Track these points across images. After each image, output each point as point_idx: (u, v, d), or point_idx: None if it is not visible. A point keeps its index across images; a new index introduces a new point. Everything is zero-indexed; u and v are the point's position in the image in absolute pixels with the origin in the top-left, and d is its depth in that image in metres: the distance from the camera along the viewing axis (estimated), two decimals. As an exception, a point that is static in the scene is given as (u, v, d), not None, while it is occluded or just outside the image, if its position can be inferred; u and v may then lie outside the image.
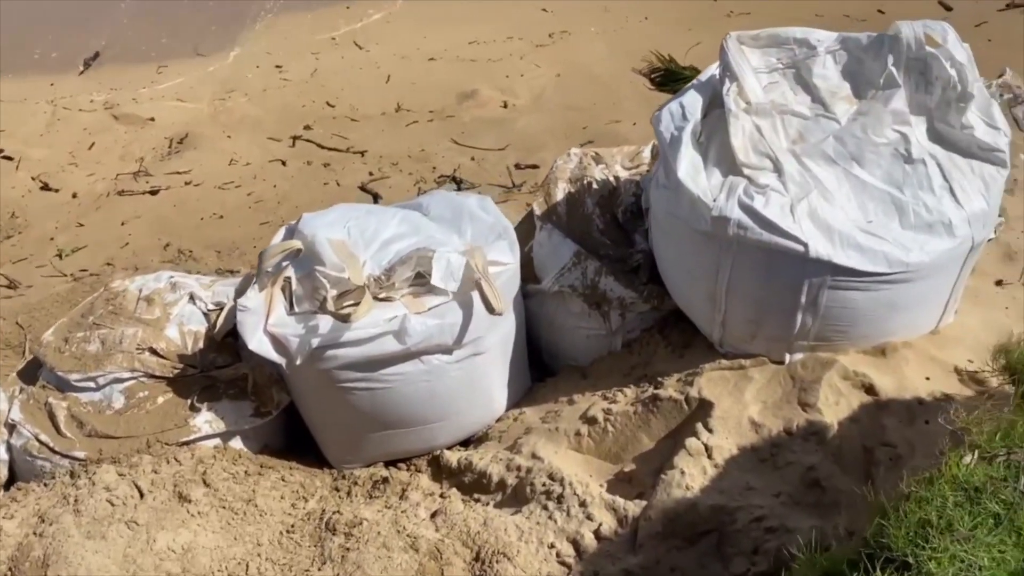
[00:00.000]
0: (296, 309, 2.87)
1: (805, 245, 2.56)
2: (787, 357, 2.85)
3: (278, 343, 2.81)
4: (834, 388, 2.75)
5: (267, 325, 2.82)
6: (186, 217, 5.91)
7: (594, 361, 3.43)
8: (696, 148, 2.79)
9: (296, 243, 2.93)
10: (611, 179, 3.65)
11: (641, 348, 3.30)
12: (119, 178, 6.39)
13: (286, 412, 3.32)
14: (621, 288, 3.26)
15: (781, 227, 2.56)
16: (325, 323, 2.78)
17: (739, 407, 2.81)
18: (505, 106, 7.53)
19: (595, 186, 3.62)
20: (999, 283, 3.38)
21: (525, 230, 3.68)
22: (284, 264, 2.98)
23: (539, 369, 3.69)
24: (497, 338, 3.13)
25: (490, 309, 2.81)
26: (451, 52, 8.64)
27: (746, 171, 2.69)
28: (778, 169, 2.68)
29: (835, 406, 2.73)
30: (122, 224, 5.81)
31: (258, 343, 2.80)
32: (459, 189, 6.27)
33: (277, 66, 8.24)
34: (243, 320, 2.82)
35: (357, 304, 2.72)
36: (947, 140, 2.73)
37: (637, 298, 3.25)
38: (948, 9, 9.94)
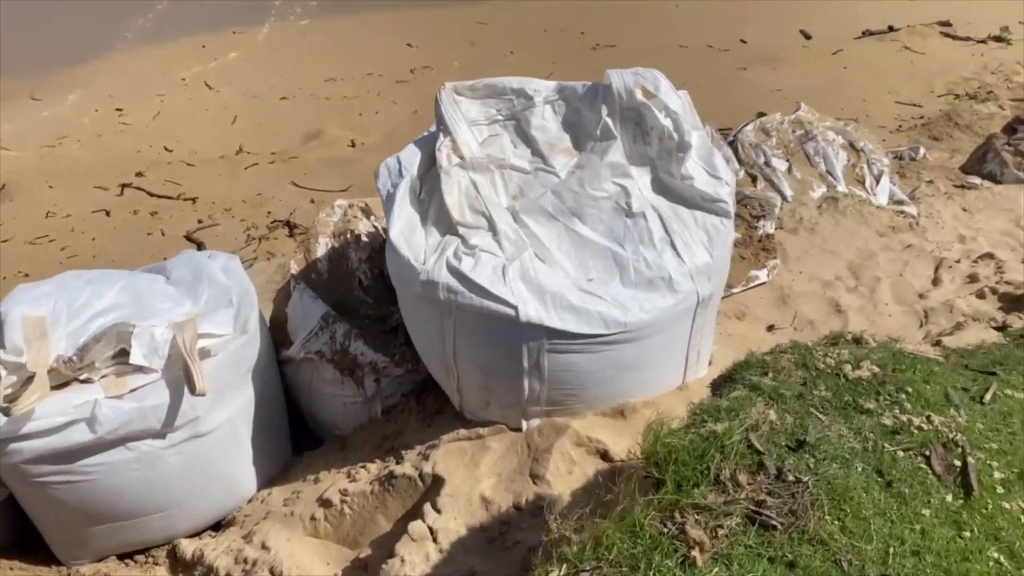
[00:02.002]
0: (-23, 398, 2.56)
1: (515, 308, 2.38)
2: (524, 424, 2.67)
3: (-46, 438, 2.50)
4: (566, 456, 2.57)
5: (-58, 417, 2.51)
6: (-14, 276, 5.50)
7: (356, 429, 3.20)
8: (415, 205, 2.61)
9: (-42, 326, 2.64)
10: (381, 232, 3.45)
11: (397, 416, 3.08)
12: (-81, 236, 5.94)
13: (12, 505, 2.99)
14: (372, 352, 3.05)
15: (490, 290, 2.39)
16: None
17: (472, 482, 2.61)
18: (353, 145, 7.32)
19: (363, 239, 3.42)
20: (770, 328, 3.28)
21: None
22: (-28, 346, 2.67)
23: (312, 438, 3.45)
24: (228, 415, 2.87)
25: (191, 389, 2.56)
26: (305, 90, 8.42)
27: (461, 230, 2.51)
28: (493, 228, 2.51)
29: (568, 476, 2.55)
30: (-88, 287, 5.37)
31: (-69, 438, 2.49)
32: (291, 234, 6.01)
33: (118, 109, 7.88)
34: (-91, 413, 2.50)
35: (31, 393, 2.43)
36: (671, 191, 2.61)
37: (389, 362, 3.05)
38: (807, 37, 10.21)
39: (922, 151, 5.03)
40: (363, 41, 9.78)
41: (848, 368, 1.88)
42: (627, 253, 2.52)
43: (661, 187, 2.62)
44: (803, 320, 3.27)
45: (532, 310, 2.39)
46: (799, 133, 4.11)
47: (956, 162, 5.73)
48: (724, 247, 2.58)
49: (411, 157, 2.64)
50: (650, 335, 2.50)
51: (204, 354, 2.77)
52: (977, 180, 4.52)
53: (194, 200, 6.48)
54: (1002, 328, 2.51)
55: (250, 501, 3.11)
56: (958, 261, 3.53)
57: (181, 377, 2.65)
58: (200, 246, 5.90)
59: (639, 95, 2.54)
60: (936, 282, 3.40)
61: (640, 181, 2.61)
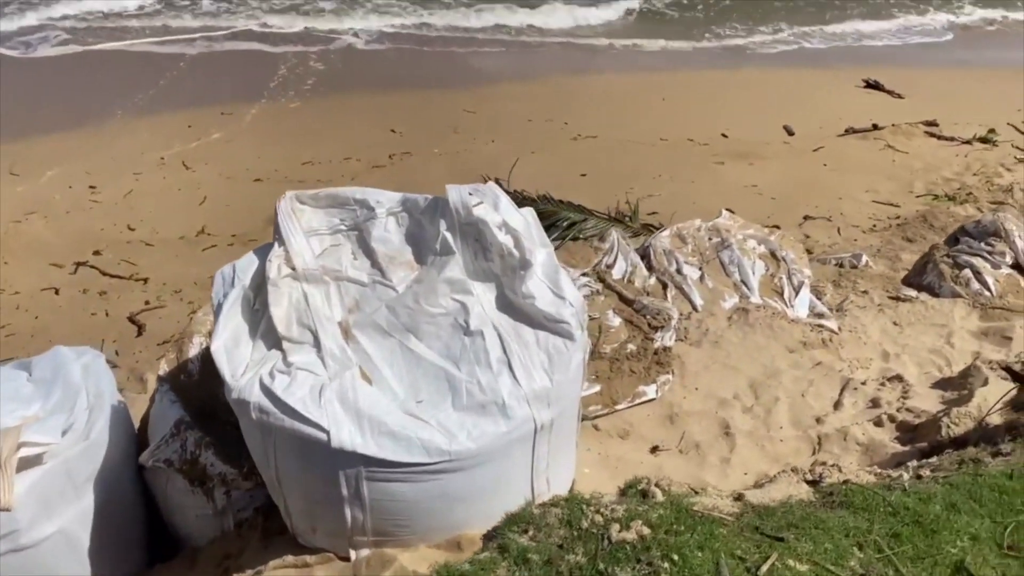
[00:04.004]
0: None
1: (328, 433, 2.25)
2: (352, 553, 2.49)
3: None
4: (389, 593, 2.39)
5: None
6: (-79, 353, 5.45)
7: (209, 543, 3.04)
8: (247, 316, 2.51)
9: None
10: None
11: (247, 532, 2.92)
12: None
13: None
14: (221, 464, 2.91)
15: (302, 413, 2.26)
16: None
17: (290, 616, 2.43)
18: (315, 230, 7.28)
19: (243, 340, 3.31)
20: (654, 450, 3.11)
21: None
22: None
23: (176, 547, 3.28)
24: (58, 527, 2.72)
25: (-3, 503, 2.43)
26: (280, 173, 8.48)
27: (284, 345, 2.40)
28: (318, 343, 2.39)
29: (389, 615, 2.37)
30: None
31: None
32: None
33: (91, 187, 7.96)
34: None
35: None
36: (515, 309, 2.49)
37: (238, 475, 2.90)
38: (790, 133, 10.21)
39: (864, 259, 4.88)
40: (348, 125, 9.90)
41: (615, 528, 1.71)
42: (461, 374, 2.39)
43: (506, 304, 2.50)
44: (690, 442, 3.09)
45: (346, 435, 2.25)
46: (715, 240, 3.99)
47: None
48: (566, 371, 2.43)
49: (247, 265, 2.56)
50: (480, 464, 2.34)
51: (34, 462, 2.65)
52: (913, 292, 4.36)
53: (145, 281, 6.46)
54: (815, 483, 2.32)
55: (89, 616, 2.94)
56: (864, 383, 3.35)
57: (-3, 488, 2.53)
58: (141, 329, 5.85)
59: (476, 211, 2.45)
60: (837, 405, 3.22)
61: (484, 298, 2.49)
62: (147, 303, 6.15)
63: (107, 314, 6.03)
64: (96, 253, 6.80)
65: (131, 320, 5.93)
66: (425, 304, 2.44)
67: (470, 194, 2.47)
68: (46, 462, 2.67)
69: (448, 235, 2.47)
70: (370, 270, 2.54)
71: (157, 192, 7.95)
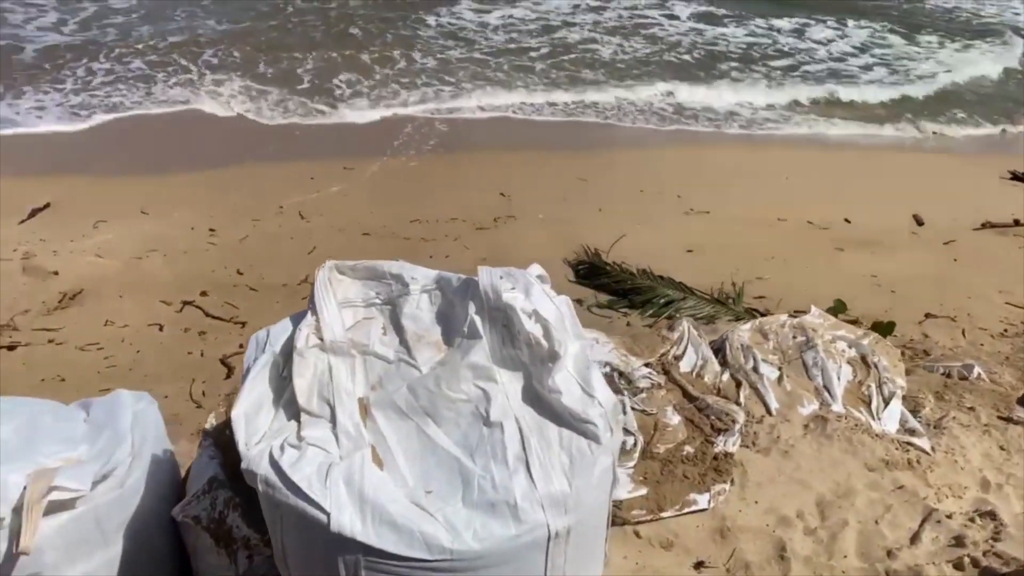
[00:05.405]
0: None
1: (328, 515, 2.16)
2: (352, 642, 2.37)
3: None
4: None
5: None
6: (29, 376, 5.78)
7: (230, 605, 2.99)
8: (275, 383, 2.48)
9: None
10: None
11: (264, 599, 2.86)
12: (-15, 331, 6.39)
13: None
14: (246, 527, 2.87)
15: (305, 491, 2.18)
16: None
17: None
18: (411, 287, 7.36)
19: (292, 400, 3.31)
20: (699, 566, 2.85)
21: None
22: None
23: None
24: (81, 572, 2.76)
25: (16, 545, 2.46)
26: (388, 228, 8.67)
27: (303, 417, 2.35)
28: (334, 419, 2.33)
29: None
30: (-43, 380, 5.72)
31: None
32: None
33: (211, 229, 8.37)
34: None
35: None
36: (542, 403, 2.35)
37: (260, 540, 2.85)
38: (920, 223, 9.61)
39: (976, 370, 4.42)
40: (460, 186, 10.06)
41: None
42: (476, 467, 2.26)
43: (532, 397, 2.37)
44: (739, 562, 2.81)
45: (346, 520, 2.16)
46: (800, 339, 3.70)
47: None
48: (589, 476, 2.26)
49: (280, 332, 2.54)
50: (483, 568, 2.19)
51: (65, 505, 2.70)
52: (1029, 415, 3.90)
53: (243, 324, 6.66)
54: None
55: (107, 667, 2.93)
56: (950, 516, 2.98)
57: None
58: (230, 371, 6.02)
59: (506, 296, 2.34)
60: (915, 539, 2.86)
61: (510, 387, 2.37)
62: (240, 347, 6.32)
63: (202, 354, 6.24)
64: (203, 294, 7.10)
65: (222, 362, 6.11)
66: (447, 388, 2.34)
67: (501, 278, 2.37)
68: (77, 507, 2.71)
69: (477, 318, 2.38)
70: (397, 347, 2.47)
71: (270, 239, 8.27)
